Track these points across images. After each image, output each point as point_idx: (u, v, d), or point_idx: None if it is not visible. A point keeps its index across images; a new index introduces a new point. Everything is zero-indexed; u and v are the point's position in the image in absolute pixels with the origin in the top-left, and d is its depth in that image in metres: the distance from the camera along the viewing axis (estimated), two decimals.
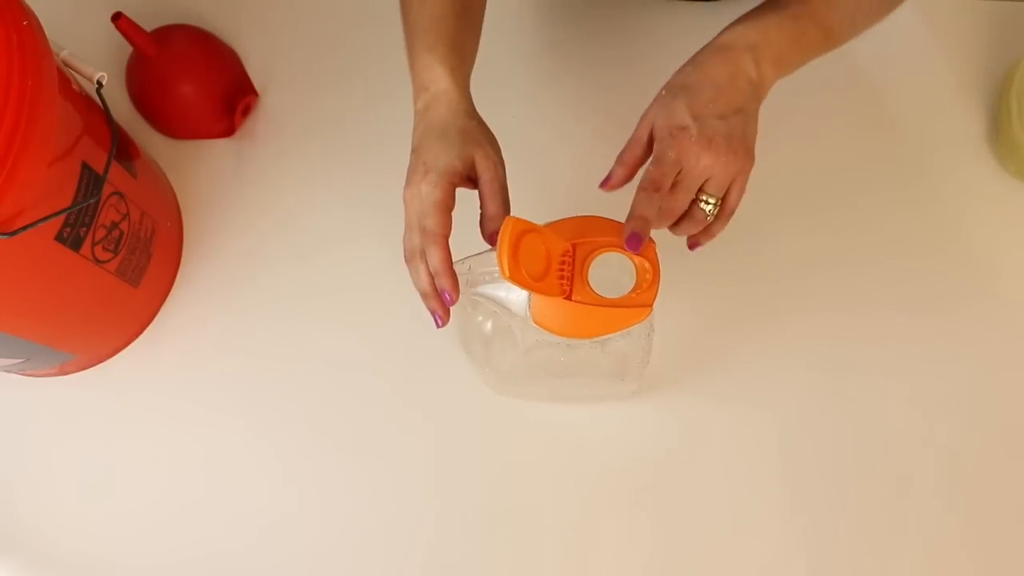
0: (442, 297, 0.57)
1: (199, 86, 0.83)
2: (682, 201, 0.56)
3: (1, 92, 0.55)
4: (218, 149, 0.86)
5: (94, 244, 0.69)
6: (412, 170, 0.58)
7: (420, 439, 0.76)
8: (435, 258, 0.56)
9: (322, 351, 0.79)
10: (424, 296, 0.59)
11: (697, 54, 0.58)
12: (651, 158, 0.56)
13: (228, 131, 0.85)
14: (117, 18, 0.76)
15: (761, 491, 0.73)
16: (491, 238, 0.57)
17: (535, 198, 0.80)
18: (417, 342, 0.78)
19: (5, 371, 0.77)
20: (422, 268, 0.58)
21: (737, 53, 0.56)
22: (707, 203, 0.57)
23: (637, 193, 0.55)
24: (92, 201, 0.66)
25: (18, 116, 0.55)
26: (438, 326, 0.59)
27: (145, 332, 0.81)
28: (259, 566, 0.74)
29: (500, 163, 0.59)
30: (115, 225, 0.71)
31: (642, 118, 0.57)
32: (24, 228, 0.58)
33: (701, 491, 0.73)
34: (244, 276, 0.82)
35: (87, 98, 0.69)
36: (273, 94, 0.88)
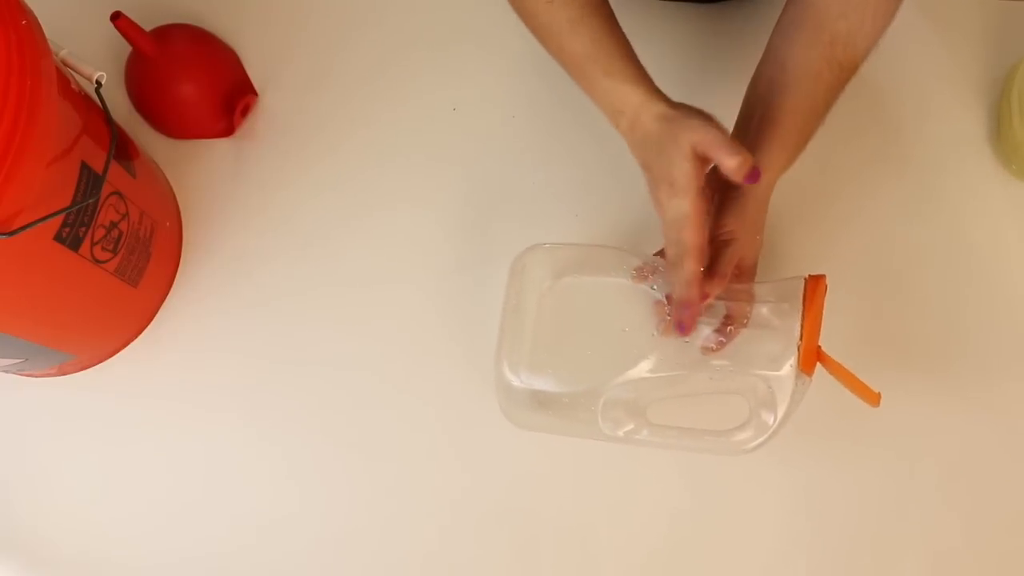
0: (680, 317, 0.61)
1: (199, 86, 0.83)
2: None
3: (0, 92, 0.55)
4: (218, 149, 0.86)
5: (93, 244, 0.68)
6: (656, 188, 0.61)
7: (421, 438, 0.76)
8: (687, 270, 0.60)
9: (322, 351, 0.79)
10: (678, 305, 0.62)
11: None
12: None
13: (228, 131, 0.85)
14: (117, 18, 0.75)
15: (762, 490, 0.73)
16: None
17: (535, 197, 0.80)
18: (418, 342, 0.78)
19: (4, 371, 0.77)
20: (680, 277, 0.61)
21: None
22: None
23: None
24: (91, 201, 0.66)
25: (17, 116, 0.55)
26: (681, 333, 0.63)
27: (145, 332, 0.81)
28: (259, 567, 0.74)
29: (709, 122, 0.59)
30: (114, 225, 0.71)
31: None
32: (23, 228, 0.58)
33: (701, 491, 0.73)
34: (244, 276, 0.82)
35: (86, 98, 0.69)
36: (273, 94, 0.87)
